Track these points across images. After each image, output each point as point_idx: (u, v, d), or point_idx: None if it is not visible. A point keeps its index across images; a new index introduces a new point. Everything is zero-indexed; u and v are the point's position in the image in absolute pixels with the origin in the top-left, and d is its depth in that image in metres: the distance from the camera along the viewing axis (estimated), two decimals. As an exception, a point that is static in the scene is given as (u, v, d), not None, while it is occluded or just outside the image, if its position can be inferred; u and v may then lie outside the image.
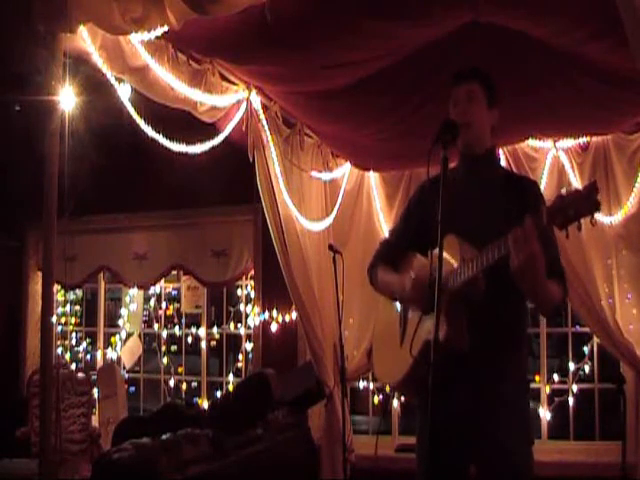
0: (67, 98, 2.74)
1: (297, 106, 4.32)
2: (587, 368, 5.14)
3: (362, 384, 5.60)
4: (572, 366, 5.15)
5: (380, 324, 2.62)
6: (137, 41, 3.03)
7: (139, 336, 6.46)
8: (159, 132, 3.33)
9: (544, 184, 4.79)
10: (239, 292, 6.07)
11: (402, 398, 5.23)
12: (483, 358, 2.19)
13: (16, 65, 2.98)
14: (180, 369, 6.43)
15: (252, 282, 5.80)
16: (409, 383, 2.30)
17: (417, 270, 2.31)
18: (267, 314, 5.53)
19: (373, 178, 5.44)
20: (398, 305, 2.47)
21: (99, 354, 6.52)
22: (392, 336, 2.43)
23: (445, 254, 2.04)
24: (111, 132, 3.98)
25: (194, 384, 6.32)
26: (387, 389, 5.49)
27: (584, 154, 4.80)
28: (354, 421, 5.33)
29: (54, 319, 2.90)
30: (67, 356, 6.58)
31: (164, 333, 6.39)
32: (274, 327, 5.50)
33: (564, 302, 2.25)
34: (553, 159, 4.85)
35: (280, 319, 5.48)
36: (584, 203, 1.82)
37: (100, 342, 6.60)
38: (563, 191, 1.89)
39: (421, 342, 2.18)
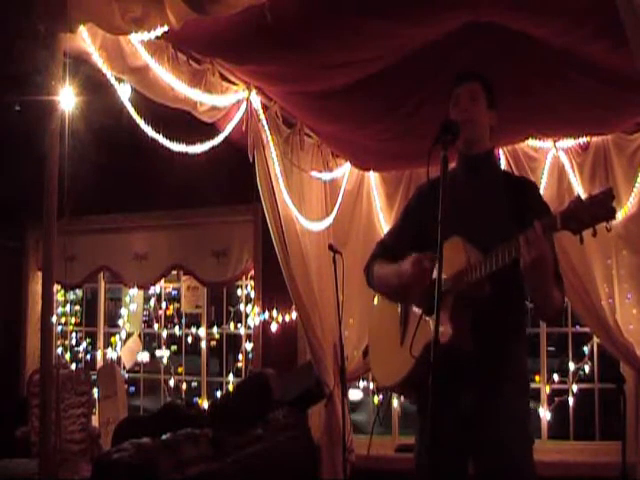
0: (67, 98, 2.74)
1: (297, 106, 4.32)
2: (587, 368, 5.15)
3: (362, 384, 5.60)
4: (572, 366, 5.15)
5: (377, 324, 2.61)
6: (137, 41, 3.02)
7: (139, 336, 6.47)
8: (159, 132, 3.33)
9: (544, 184, 4.79)
10: (239, 292, 6.07)
11: (402, 398, 5.22)
12: (484, 358, 2.19)
13: (16, 65, 2.98)
14: (180, 369, 6.43)
15: (252, 282, 5.80)
16: (410, 384, 2.30)
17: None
18: (267, 314, 5.53)
19: (373, 178, 5.44)
20: (398, 305, 2.46)
21: (99, 354, 6.52)
22: (391, 336, 2.42)
23: (451, 256, 2.04)
24: (111, 132, 3.99)
25: (194, 384, 6.32)
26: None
27: (584, 154, 4.80)
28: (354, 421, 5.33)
29: (54, 319, 2.90)
30: (67, 356, 6.58)
31: (164, 333, 6.40)
32: (274, 327, 5.50)
33: (563, 308, 2.25)
34: (553, 159, 4.85)
35: (280, 319, 5.48)
36: (600, 209, 1.81)
37: (100, 342, 6.60)
38: (578, 196, 1.89)
39: (423, 342, 2.18)
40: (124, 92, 3.10)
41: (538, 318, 2.34)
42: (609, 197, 1.81)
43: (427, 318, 2.18)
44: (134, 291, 6.47)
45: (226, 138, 3.86)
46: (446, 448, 2.14)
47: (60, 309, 6.55)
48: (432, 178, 2.10)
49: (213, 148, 3.77)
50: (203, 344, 6.20)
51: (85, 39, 2.81)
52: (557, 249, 2.28)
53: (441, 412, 1.88)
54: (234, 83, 3.87)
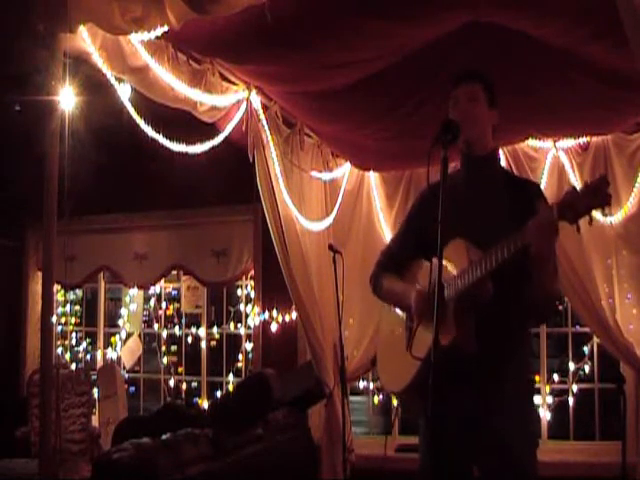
0: (67, 98, 2.74)
1: (297, 106, 4.32)
2: (587, 368, 5.15)
3: (362, 384, 5.60)
4: (572, 366, 5.16)
5: (384, 331, 2.61)
6: (137, 41, 3.03)
7: (139, 336, 6.47)
8: (159, 132, 3.33)
9: (544, 184, 4.79)
10: (239, 292, 6.07)
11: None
12: (487, 359, 2.18)
13: (16, 65, 2.98)
14: (180, 369, 6.43)
15: (252, 282, 5.80)
16: (416, 388, 2.28)
17: (422, 281, 2.30)
18: (267, 314, 5.53)
19: (373, 178, 5.44)
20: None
21: (99, 354, 6.52)
22: (397, 342, 2.41)
23: (453, 258, 2.03)
24: (111, 132, 3.99)
25: (194, 384, 6.32)
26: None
27: (584, 154, 4.80)
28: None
29: (54, 319, 2.90)
30: (67, 356, 6.58)
31: (164, 333, 6.40)
32: (274, 327, 5.50)
33: (561, 301, 2.27)
34: (553, 159, 4.85)
35: (280, 319, 5.48)
36: (594, 196, 1.82)
37: (100, 342, 6.59)
38: (572, 186, 1.90)
39: (427, 346, 2.18)
40: (124, 92, 3.10)
41: (531, 315, 2.31)
42: (604, 184, 1.82)
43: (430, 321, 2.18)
44: (134, 291, 6.47)
45: (226, 138, 3.86)
46: (450, 449, 2.14)
47: (60, 309, 6.55)
48: (434, 181, 2.09)
49: (213, 148, 3.78)
50: (203, 344, 6.20)
51: (85, 39, 2.81)
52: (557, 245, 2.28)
53: (444, 414, 1.87)
54: (234, 83, 3.87)
